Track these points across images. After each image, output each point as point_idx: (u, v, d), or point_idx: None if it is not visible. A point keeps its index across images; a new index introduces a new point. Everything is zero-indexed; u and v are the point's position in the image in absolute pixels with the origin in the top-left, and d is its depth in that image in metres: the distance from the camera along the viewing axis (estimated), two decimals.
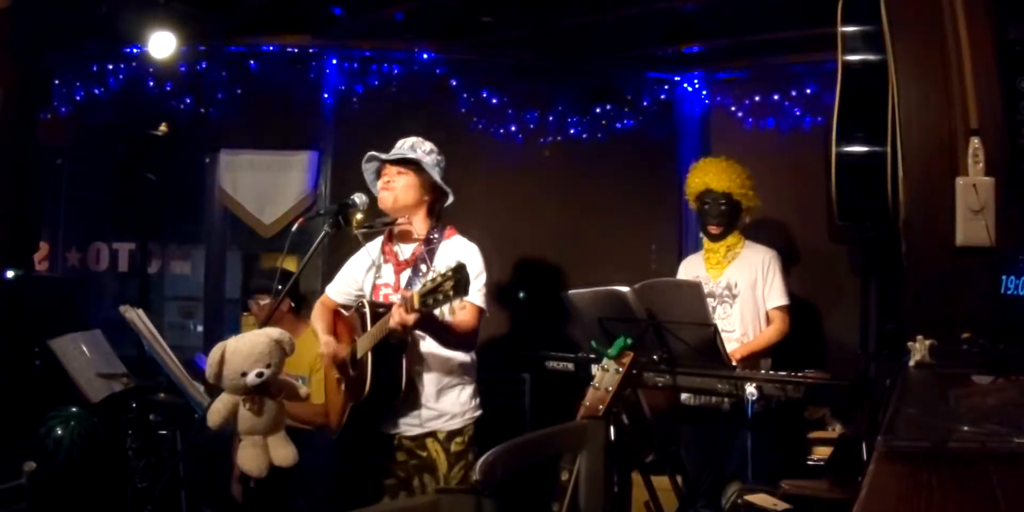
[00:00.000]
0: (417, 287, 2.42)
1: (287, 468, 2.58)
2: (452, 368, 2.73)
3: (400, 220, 2.75)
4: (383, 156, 2.75)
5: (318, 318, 2.93)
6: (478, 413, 2.78)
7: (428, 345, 2.69)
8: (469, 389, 2.77)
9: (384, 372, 2.57)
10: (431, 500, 1.29)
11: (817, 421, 3.68)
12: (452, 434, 2.69)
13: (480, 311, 2.67)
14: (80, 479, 3.36)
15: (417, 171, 2.73)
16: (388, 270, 2.81)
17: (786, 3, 3.88)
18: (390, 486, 2.73)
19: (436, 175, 2.75)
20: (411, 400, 2.68)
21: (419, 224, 2.77)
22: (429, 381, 2.69)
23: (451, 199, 2.81)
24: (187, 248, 4.95)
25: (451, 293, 2.23)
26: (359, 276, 2.89)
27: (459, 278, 2.23)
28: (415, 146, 2.77)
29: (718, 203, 3.66)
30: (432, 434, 2.69)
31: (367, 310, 2.65)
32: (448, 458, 2.67)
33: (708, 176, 3.70)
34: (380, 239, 2.87)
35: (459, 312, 2.60)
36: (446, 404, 2.71)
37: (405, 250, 2.79)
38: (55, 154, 4.73)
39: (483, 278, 2.69)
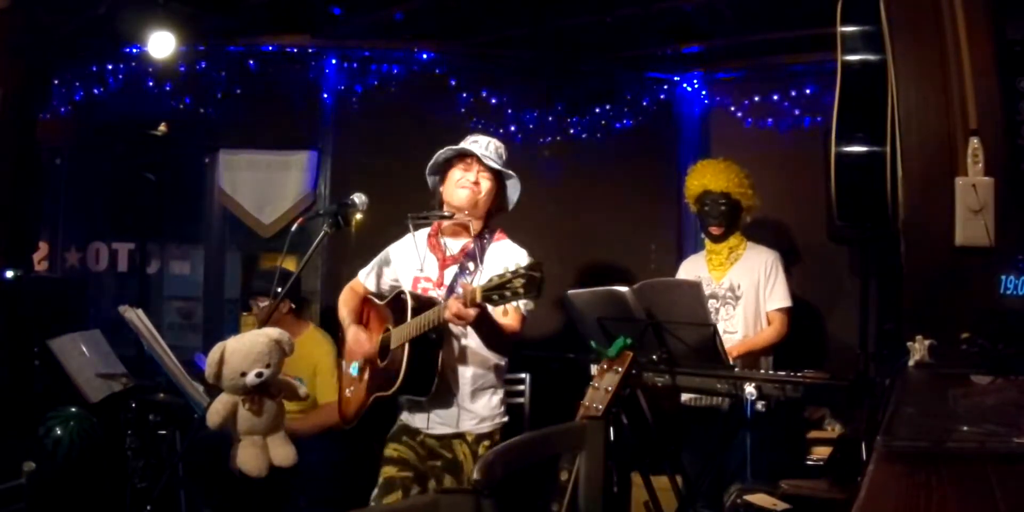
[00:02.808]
0: (477, 282, 2.36)
1: (287, 468, 2.58)
2: (487, 370, 2.68)
3: (458, 216, 2.69)
4: (482, 157, 2.65)
5: (345, 304, 2.87)
6: (506, 419, 2.73)
7: (466, 344, 2.65)
8: (500, 393, 2.73)
9: (418, 366, 2.51)
10: (431, 500, 1.29)
11: (817, 421, 3.68)
12: (481, 437, 2.65)
13: (523, 318, 2.64)
14: (79, 479, 3.36)
15: (498, 179, 2.72)
16: (432, 264, 2.74)
17: (786, 3, 3.88)
18: (403, 479, 2.65)
19: (515, 194, 2.74)
20: (442, 398, 2.62)
21: (474, 223, 2.73)
22: (464, 381, 2.64)
23: (508, 210, 2.79)
24: (186, 248, 4.95)
25: (521, 291, 2.16)
26: (398, 265, 2.83)
27: (532, 277, 2.16)
28: (501, 154, 2.72)
29: (717, 203, 3.66)
30: (460, 436, 2.64)
31: (408, 301, 2.57)
32: (475, 461, 2.54)
33: (705, 177, 3.70)
34: (426, 231, 2.81)
35: (504, 316, 2.56)
36: (478, 406, 2.66)
37: (453, 246, 2.74)
38: (55, 154, 4.73)
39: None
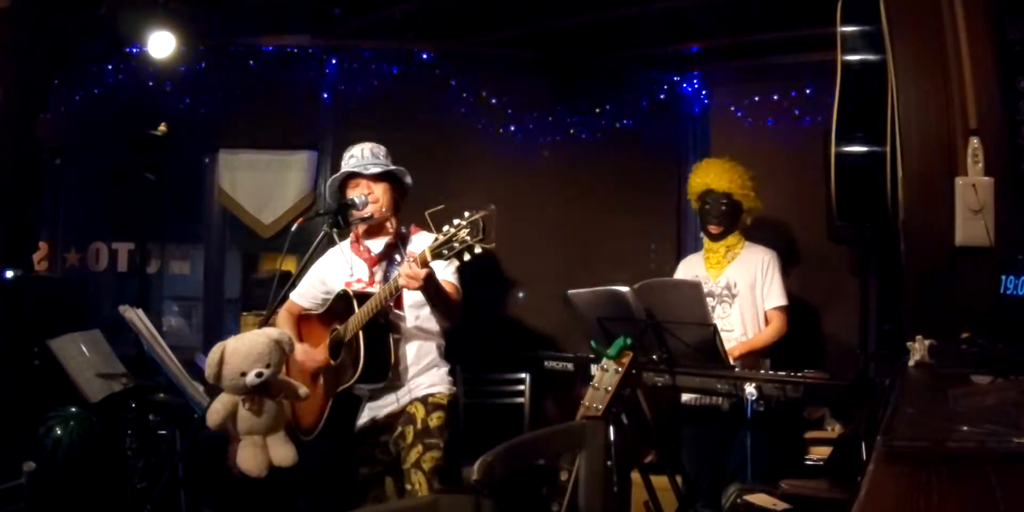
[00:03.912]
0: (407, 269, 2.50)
1: (287, 468, 2.58)
2: (430, 349, 2.86)
3: (376, 216, 2.86)
4: (364, 171, 2.86)
5: (284, 325, 2.98)
6: (455, 389, 2.91)
7: (408, 328, 2.81)
8: (444, 369, 2.89)
9: (375, 351, 2.67)
10: (431, 500, 1.29)
11: (817, 421, 3.68)
12: (429, 396, 2.80)
13: (458, 289, 2.81)
14: (79, 479, 3.35)
15: (390, 179, 2.89)
16: (360, 267, 2.90)
17: (786, 3, 3.88)
18: (375, 475, 2.81)
19: (407, 178, 2.92)
20: (392, 383, 2.78)
21: (389, 221, 2.92)
22: (411, 362, 2.81)
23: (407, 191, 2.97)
24: (186, 248, 4.95)
25: (468, 238, 2.26)
26: (328, 277, 2.96)
27: (475, 222, 2.25)
28: (376, 153, 2.91)
29: (719, 203, 3.67)
30: (410, 402, 2.80)
31: (351, 297, 2.75)
32: (427, 408, 2.77)
33: (709, 176, 3.70)
34: (347, 241, 2.96)
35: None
36: (424, 378, 2.83)
37: (376, 246, 2.90)
38: (55, 154, 4.72)
39: (455, 264, 2.80)
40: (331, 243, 2.94)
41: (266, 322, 2.75)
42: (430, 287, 2.58)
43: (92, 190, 4.79)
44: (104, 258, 4.83)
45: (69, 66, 4.55)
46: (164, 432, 3.41)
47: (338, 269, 2.95)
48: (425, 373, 2.84)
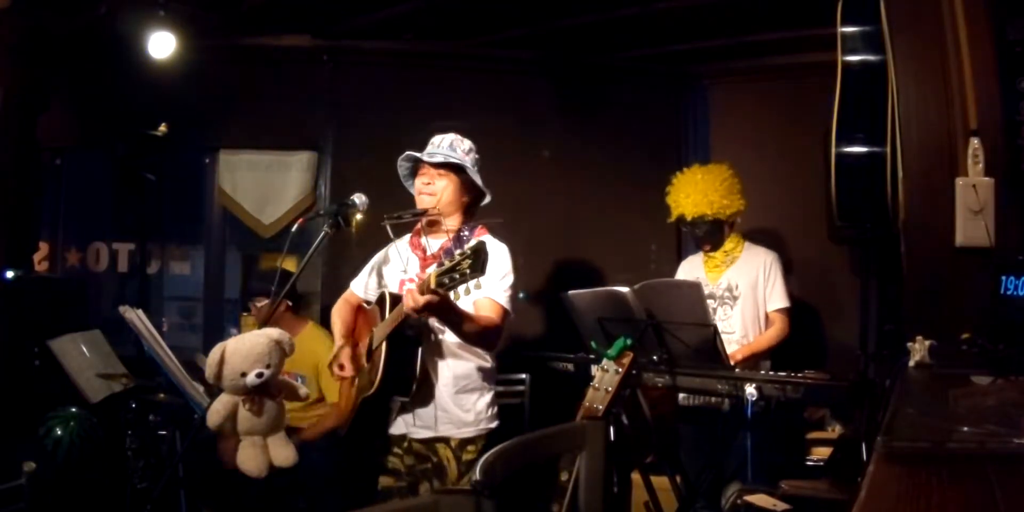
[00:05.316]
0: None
1: (287, 468, 2.58)
2: (470, 371, 2.63)
3: (431, 211, 2.68)
4: (425, 157, 2.68)
5: (337, 315, 2.87)
6: (493, 424, 2.66)
7: (447, 343, 2.61)
8: (487, 397, 2.66)
9: (396, 364, 2.50)
10: (431, 500, 1.29)
11: (817, 422, 3.68)
12: (464, 442, 2.60)
13: (505, 311, 2.58)
14: (79, 479, 3.36)
15: (457, 172, 2.69)
16: (414, 264, 2.74)
17: (786, 3, 3.88)
18: (399, 489, 2.66)
19: (477, 177, 2.70)
20: (424, 399, 2.59)
21: (452, 220, 2.72)
22: (445, 382, 2.60)
23: (488, 199, 2.77)
24: (186, 248, 4.95)
25: (468, 271, 2.15)
26: (385, 270, 2.83)
27: (477, 256, 2.15)
28: (455, 145, 2.71)
29: (696, 227, 3.66)
30: (444, 440, 2.59)
31: (387, 300, 2.59)
32: (459, 466, 2.58)
33: (678, 202, 3.66)
34: (408, 234, 2.82)
35: (483, 309, 2.55)
36: (461, 410, 2.61)
37: (433, 244, 2.73)
38: (55, 154, 4.72)
39: (510, 280, 2.61)
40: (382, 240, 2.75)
41: (267, 321, 2.74)
42: (441, 313, 2.40)
43: (92, 190, 4.79)
44: (104, 258, 4.83)
45: (69, 66, 4.56)
46: (164, 432, 3.40)
47: (394, 263, 2.80)
48: (462, 396, 2.60)
